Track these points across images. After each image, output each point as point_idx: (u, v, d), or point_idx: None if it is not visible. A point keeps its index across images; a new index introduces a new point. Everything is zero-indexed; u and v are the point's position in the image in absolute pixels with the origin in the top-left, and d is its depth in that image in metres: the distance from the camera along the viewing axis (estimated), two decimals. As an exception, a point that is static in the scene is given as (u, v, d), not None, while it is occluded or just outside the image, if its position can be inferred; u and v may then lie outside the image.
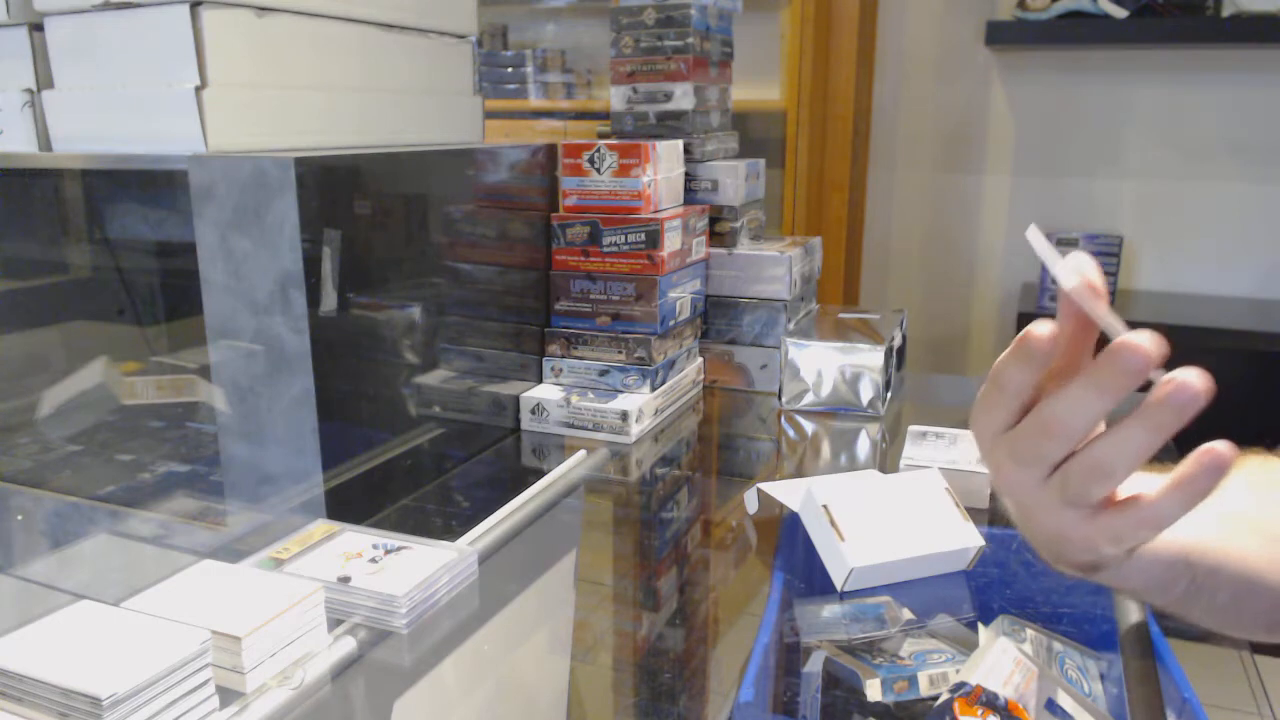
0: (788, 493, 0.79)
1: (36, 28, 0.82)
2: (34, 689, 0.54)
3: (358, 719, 0.63)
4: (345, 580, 0.67)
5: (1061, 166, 2.14)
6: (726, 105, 1.31)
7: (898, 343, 1.22)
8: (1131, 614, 0.63)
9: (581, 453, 0.99)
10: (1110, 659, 0.61)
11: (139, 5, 0.76)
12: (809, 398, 1.15)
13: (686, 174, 1.20)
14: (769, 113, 2.15)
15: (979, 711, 0.49)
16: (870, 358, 1.12)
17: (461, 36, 1.06)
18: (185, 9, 0.74)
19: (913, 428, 0.97)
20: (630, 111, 1.20)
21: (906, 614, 0.65)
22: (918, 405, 1.24)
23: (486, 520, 0.79)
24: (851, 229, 2.22)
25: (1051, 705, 0.54)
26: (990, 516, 0.81)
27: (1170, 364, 0.36)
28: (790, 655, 0.63)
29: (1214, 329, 1.77)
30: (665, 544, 0.86)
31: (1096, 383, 0.36)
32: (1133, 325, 0.35)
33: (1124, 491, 0.39)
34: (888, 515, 0.72)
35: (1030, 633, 0.63)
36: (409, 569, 0.68)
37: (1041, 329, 0.37)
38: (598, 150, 1.07)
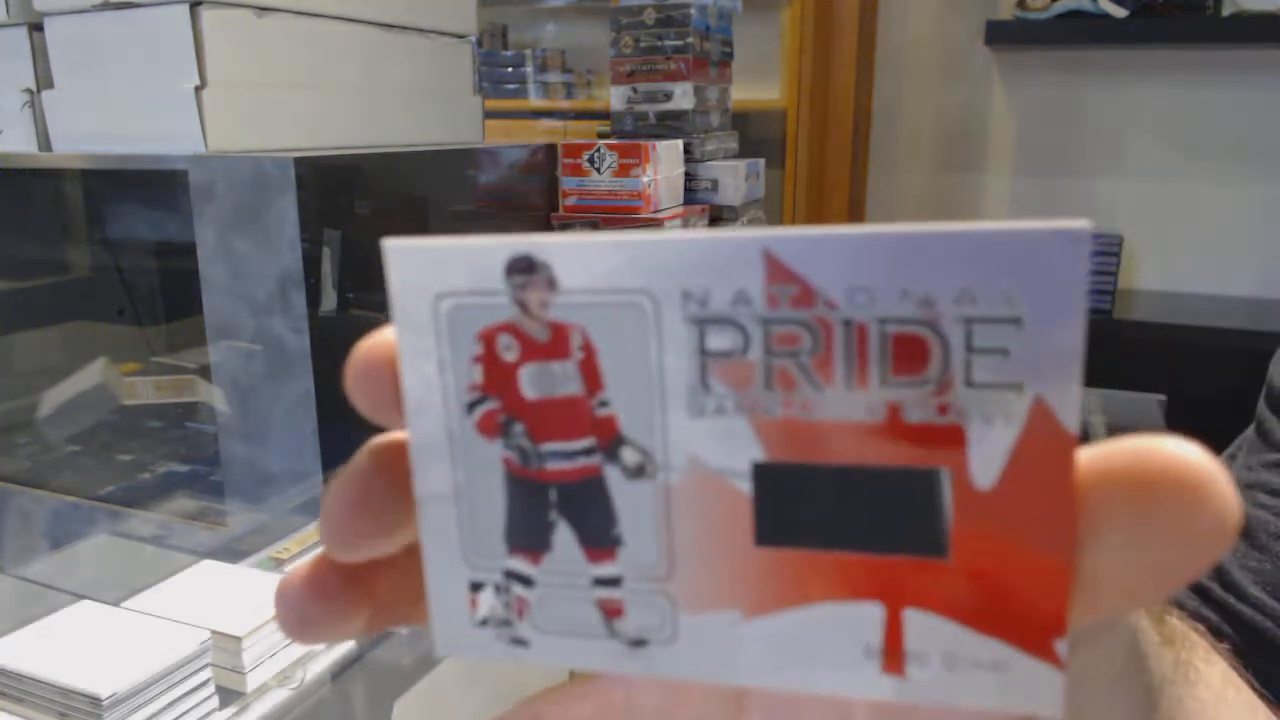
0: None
1: (36, 28, 0.82)
2: (34, 689, 0.54)
3: (358, 719, 0.63)
4: (345, 580, 0.67)
5: (1061, 166, 2.14)
6: (726, 105, 1.31)
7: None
8: None
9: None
10: None
11: (139, 5, 0.76)
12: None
13: (686, 174, 1.20)
14: (769, 113, 2.15)
15: None
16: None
17: (461, 36, 1.06)
18: (185, 9, 0.74)
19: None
20: (630, 111, 1.20)
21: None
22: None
23: (486, 520, 0.79)
24: (851, 229, 2.22)
25: None
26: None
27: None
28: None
29: (1214, 329, 1.77)
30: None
31: None
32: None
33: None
34: None
35: None
36: (409, 569, 0.68)
37: None
38: (598, 150, 1.07)
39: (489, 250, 0.16)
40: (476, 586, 0.17)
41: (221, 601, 0.63)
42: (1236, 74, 1.97)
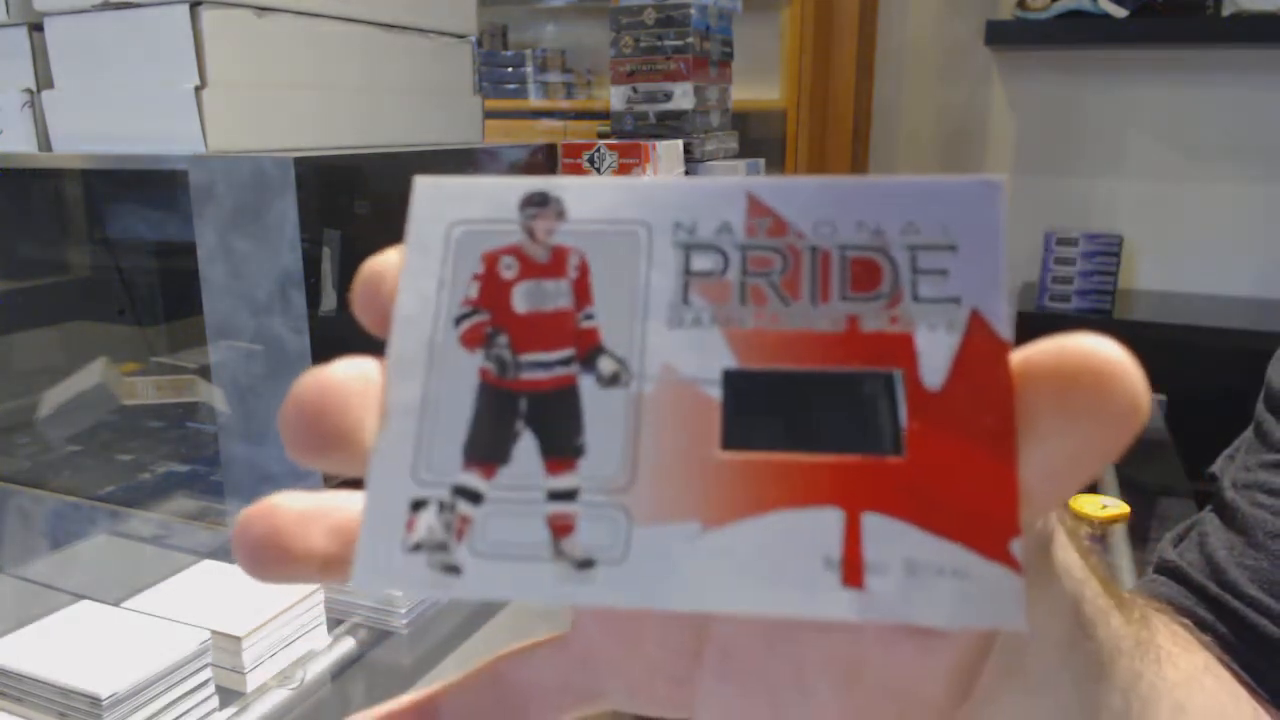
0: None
1: (36, 28, 0.82)
2: (34, 689, 0.54)
3: (358, 719, 0.63)
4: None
5: (1061, 166, 2.14)
6: (726, 105, 1.31)
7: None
8: None
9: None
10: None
11: (139, 5, 0.76)
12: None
13: (686, 174, 1.20)
14: (769, 113, 2.15)
15: None
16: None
17: (461, 36, 1.06)
18: (185, 9, 0.74)
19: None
20: (630, 111, 1.20)
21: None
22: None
23: (486, 520, 0.79)
24: (851, 229, 2.22)
25: None
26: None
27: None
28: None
29: (1214, 329, 1.77)
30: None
31: None
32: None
33: None
34: None
35: None
36: (409, 569, 0.68)
37: None
38: (598, 150, 1.07)
39: (508, 186, 0.17)
40: (418, 505, 0.16)
41: (221, 601, 0.63)
42: (1236, 74, 1.97)
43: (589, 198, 0.17)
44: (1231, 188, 2.02)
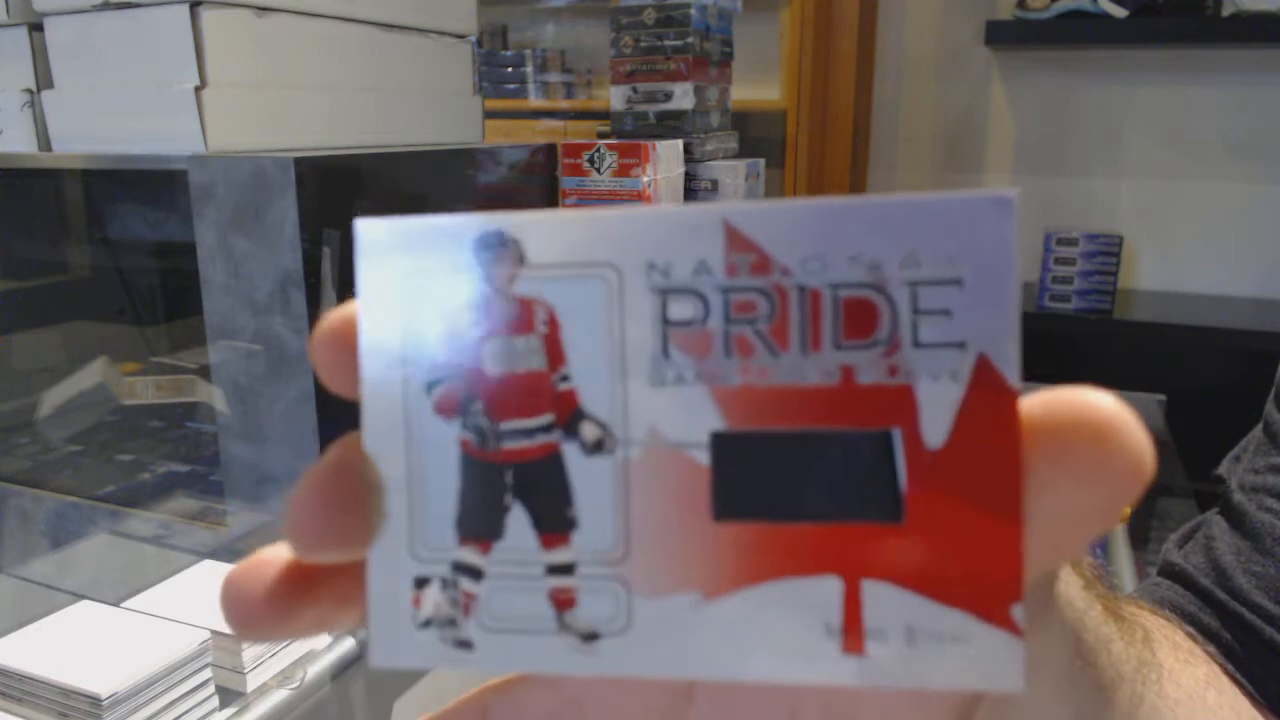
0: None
1: (36, 28, 0.82)
2: (34, 689, 0.54)
3: (358, 719, 0.63)
4: (345, 580, 0.67)
5: (1061, 166, 2.14)
6: (726, 105, 1.31)
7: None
8: None
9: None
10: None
11: (139, 5, 0.76)
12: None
13: (686, 174, 1.20)
14: (769, 113, 2.15)
15: None
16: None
17: (461, 36, 1.06)
18: (185, 9, 0.74)
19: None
20: (630, 111, 1.20)
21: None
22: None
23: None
24: (851, 229, 2.22)
25: None
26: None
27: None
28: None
29: (1214, 329, 1.77)
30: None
31: None
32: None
33: None
34: None
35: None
36: (409, 569, 0.68)
37: None
38: (597, 150, 1.07)
39: (460, 227, 0.16)
40: (422, 583, 0.16)
41: (221, 601, 0.63)
42: (1236, 73, 1.97)
43: (550, 236, 0.16)
44: (1231, 187, 2.02)
